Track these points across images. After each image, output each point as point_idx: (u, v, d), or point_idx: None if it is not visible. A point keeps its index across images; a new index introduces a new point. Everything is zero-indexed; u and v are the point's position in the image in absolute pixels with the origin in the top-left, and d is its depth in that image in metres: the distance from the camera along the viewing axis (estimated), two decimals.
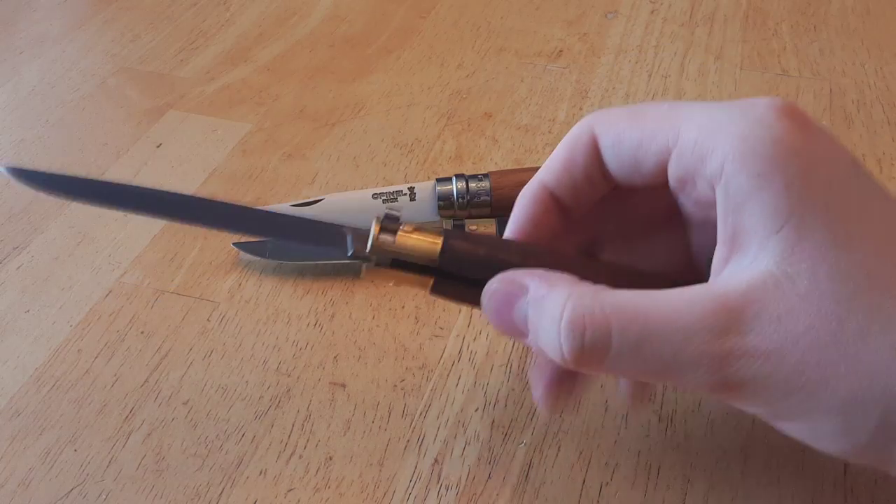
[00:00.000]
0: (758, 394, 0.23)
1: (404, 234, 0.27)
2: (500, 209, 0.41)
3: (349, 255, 0.28)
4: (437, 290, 0.28)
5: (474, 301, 0.28)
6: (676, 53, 0.57)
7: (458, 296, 0.29)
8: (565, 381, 0.29)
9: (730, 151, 0.23)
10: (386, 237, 0.27)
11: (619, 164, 0.27)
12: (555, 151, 0.29)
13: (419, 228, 0.28)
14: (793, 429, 0.24)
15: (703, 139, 0.24)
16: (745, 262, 0.24)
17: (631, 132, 0.27)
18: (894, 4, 0.61)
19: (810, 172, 0.23)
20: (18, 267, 0.42)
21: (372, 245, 0.27)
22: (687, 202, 0.27)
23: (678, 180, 0.26)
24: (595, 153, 0.28)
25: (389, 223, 0.28)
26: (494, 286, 0.26)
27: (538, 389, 0.29)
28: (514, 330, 0.26)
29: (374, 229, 0.27)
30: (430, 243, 0.27)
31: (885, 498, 0.31)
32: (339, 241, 0.28)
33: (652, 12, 0.61)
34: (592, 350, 0.24)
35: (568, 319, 0.24)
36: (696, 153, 0.25)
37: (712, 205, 0.25)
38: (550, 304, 0.25)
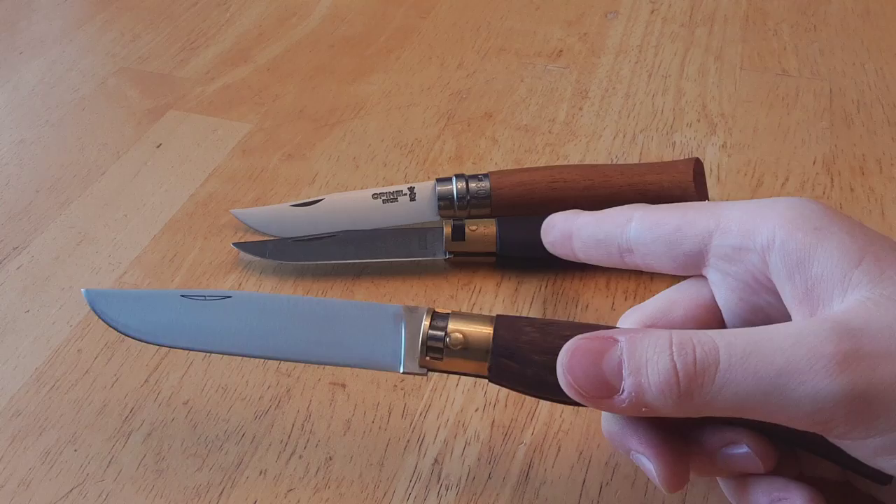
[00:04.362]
0: (887, 407, 0.22)
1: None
2: (500, 209, 0.41)
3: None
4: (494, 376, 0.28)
5: (533, 385, 0.27)
6: (676, 53, 0.57)
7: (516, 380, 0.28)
8: (676, 451, 0.26)
9: (779, 220, 0.25)
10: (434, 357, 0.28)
11: (653, 246, 0.28)
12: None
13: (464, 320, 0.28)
14: None
15: (748, 218, 0.26)
16: (835, 306, 0.24)
17: (671, 217, 0.28)
18: (894, 4, 0.61)
19: (862, 225, 0.25)
20: (18, 267, 0.42)
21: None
22: (722, 286, 0.28)
23: (721, 258, 0.27)
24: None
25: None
26: (576, 343, 0.25)
27: (662, 469, 0.26)
28: (601, 383, 0.24)
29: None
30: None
31: None
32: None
33: (652, 12, 0.61)
34: (704, 366, 0.23)
35: (678, 341, 0.24)
36: (742, 230, 0.26)
37: (759, 280, 0.26)
38: (654, 336, 0.24)
